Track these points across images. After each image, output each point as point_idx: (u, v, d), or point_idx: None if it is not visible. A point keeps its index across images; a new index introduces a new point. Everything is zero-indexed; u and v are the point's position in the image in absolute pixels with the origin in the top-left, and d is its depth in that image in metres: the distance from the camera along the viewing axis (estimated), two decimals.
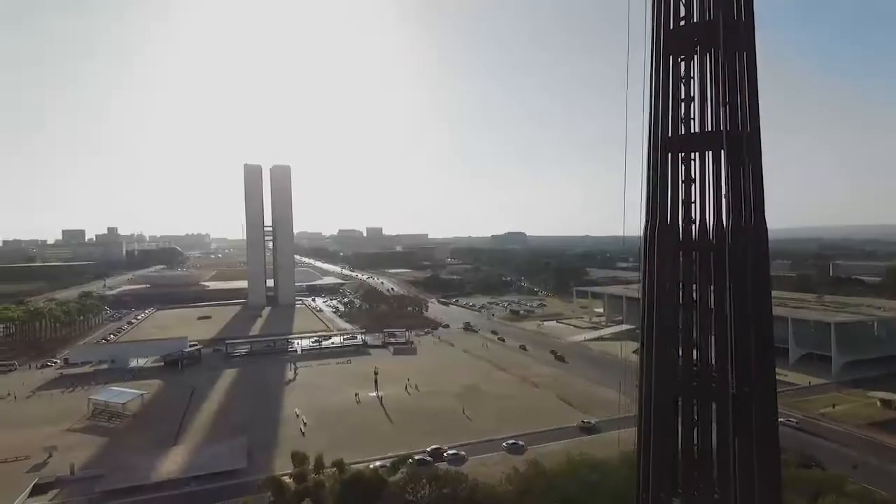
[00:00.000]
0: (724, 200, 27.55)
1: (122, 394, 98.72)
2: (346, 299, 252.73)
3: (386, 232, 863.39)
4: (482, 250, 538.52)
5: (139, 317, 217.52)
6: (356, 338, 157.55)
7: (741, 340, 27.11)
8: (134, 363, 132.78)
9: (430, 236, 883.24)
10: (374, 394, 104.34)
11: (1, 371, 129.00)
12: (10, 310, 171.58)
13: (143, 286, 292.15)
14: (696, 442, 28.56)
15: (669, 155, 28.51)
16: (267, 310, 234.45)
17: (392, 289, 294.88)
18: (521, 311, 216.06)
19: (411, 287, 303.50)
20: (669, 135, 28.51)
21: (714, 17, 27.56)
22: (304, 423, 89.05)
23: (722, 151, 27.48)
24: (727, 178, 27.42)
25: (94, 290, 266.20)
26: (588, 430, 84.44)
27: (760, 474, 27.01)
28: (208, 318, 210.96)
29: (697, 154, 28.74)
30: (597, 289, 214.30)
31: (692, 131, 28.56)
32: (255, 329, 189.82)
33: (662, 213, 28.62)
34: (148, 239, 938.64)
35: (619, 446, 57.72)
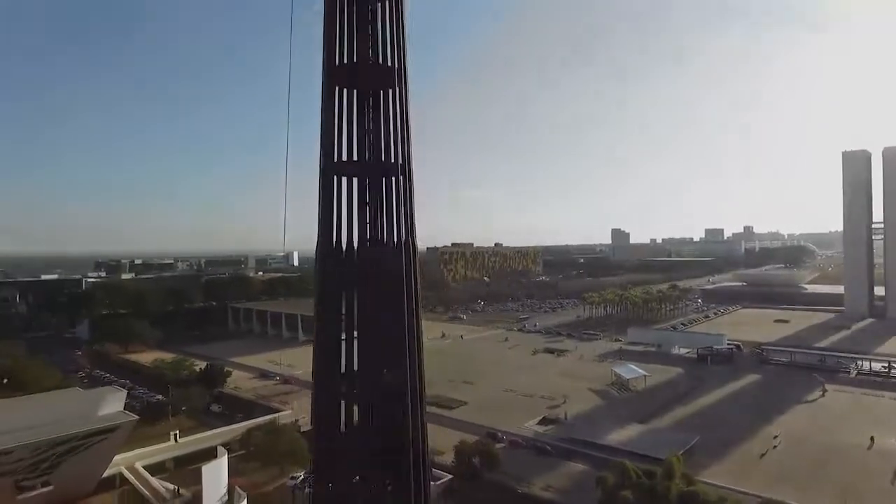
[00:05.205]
0: (378, 223, 33.67)
1: (632, 371, 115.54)
2: None
3: None
4: None
5: (721, 311, 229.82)
6: None
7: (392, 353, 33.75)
8: (675, 350, 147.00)
9: None
10: None
11: (588, 339, 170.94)
12: (610, 293, 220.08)
13: (739, 283, 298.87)
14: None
15: (335, 178, 33.31)
16: (865, 322, 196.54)
17: None
18: None
19: None
20: (334, 160, 33.22)
21: (374, 58, 32.99)
22: (775, 446, 79.61)
23: (382, 179, 33.40)
24: (381, 202, 33.61)
25: (695, 284, 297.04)
26: None
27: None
28: (785, 321, 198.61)
29: (357, 179, 33.49)
30: None
31: (353, 159, 33.15)
32: (830, 342, 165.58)
33: (328, 233, 33.25)
34: (786, 237, 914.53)
35: None
